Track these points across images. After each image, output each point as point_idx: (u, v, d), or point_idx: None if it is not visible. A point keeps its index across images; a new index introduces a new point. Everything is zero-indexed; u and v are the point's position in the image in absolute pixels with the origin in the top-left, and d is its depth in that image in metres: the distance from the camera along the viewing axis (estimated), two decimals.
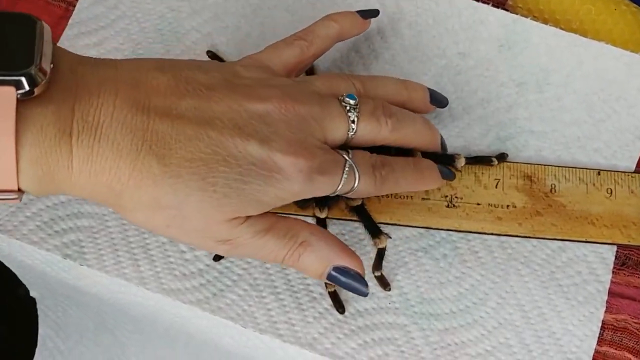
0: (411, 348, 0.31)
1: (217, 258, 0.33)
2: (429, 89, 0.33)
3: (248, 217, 0.27)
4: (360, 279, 0.29)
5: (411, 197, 0.34)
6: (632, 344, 0.32)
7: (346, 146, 0.30)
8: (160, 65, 0.28)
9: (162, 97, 0.26)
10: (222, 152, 0.26)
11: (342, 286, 0.29)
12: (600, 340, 0.32)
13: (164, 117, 0.26)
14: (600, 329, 0.32)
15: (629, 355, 0.32)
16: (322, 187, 0.28)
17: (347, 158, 0.29)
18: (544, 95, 0.36)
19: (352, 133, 0.29)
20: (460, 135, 0.35)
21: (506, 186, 0.34)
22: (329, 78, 0.31)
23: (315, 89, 0.30)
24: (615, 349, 0.32)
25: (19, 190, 0.25)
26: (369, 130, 0.29)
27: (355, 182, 0.29)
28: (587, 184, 0.34)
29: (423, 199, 0.34)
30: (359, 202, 0.31)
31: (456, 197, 0.34)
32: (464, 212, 0.34)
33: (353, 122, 0.29)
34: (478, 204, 0.34)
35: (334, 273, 0.28)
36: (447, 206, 0.34)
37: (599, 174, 0.34)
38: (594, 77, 0.36)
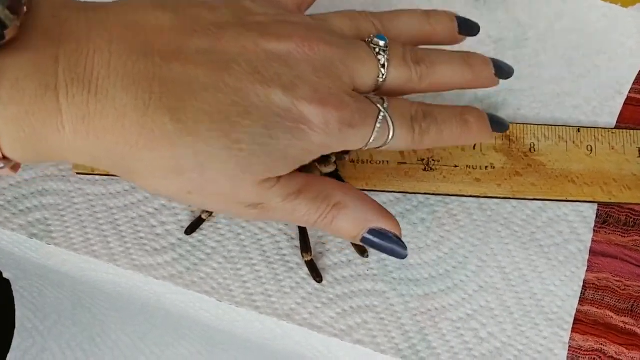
0: (390, 315, 0.31)
1: (190, 231, 0.32)
2: (457, 16, 0.29)
3: (279, 178, 0.24)
4: (398, 240, 0.26)
5: (387, 161, 0.33)
6: (613, 302, 0.32)
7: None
8: (160, 2, 0.24)
9: (166, 38, 0.23)
10: (243, 103, 0.22)
11: (377, 248, 0.26)
12: (582, 300, 0.32)
13: (172, 60, 0.22)
14: (582, 288, 0.32)
15: (611, 314, 0.32)
16: (352, 141, 0.25)
17: (381, 108, 0.25)
18: (522, 51, 0.35)
19: (382, 79, 0.26)
20: (438, 95, 0.34)
21: (484, 147, 0.33)
22: (347, 16, 0.27)
23: (336, 28, 0.26)
24: (597, 308, 0.32)
25: (5, 158, 0.22)
26: (399, 76, 0.26)
27: (389, 136, 0.25)
28: (566, 142, 0.33)
29: (399, 163, 0.33)
30: (333, 168, 0.30)
31: (433, 159, 0.33)
32: (441, 175, 0.33)
33: (383, 66, 0.25)
34: (456, 166, 0.33)
35: (369, 236, 0.26)
36: (424, 169, 0.33)
37: (578, 131, 0.33)
38: (574, 31, 0.35)
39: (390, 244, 0.26)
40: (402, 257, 0.27)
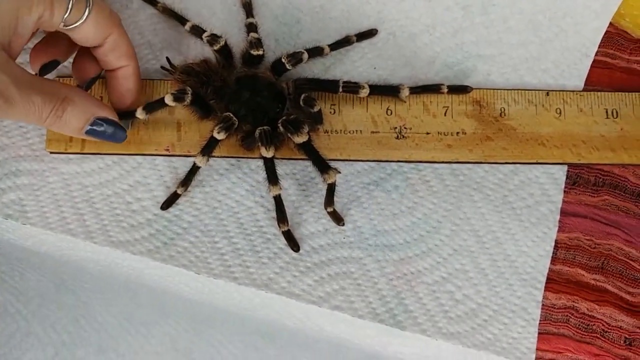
0: (367, 280, 0.31)
1: (165, 207, 0.32)
2: None
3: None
4: (119, 124, 0.30)
5: (360, 131, 0.33)
6: (585, 261, 0.32)
7: None
8: None
9: None
10: None
11: (101, 136, 0.30)
12: (554, 259, 0.32)
13: None
14: (554, 248, 0.32)
15: (582, 272, 0.32)
16: None
17: None
18: (490, 17, 0.35)
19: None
20: (408, 64, 0.34)
21: (455, 113, 0.33)
22: None
23: None
24: (569, 267, 0.32)
25: None
26: None
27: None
28: (536, 106, 0.34)
29: (372, 132, 0.33)
30: (306, 138, 0.31)
31: (405, 127, 0.33)
32: (413, 143, 0.33)
33: None
34: (427, 133, 0.33)
35: (94, 127, 0.30)
36: (397, 137, 0.33)
37: (547, 94, 0.34)
38: None
39: (113, 126, 0.30)
40: (123, 137, 0.31)
